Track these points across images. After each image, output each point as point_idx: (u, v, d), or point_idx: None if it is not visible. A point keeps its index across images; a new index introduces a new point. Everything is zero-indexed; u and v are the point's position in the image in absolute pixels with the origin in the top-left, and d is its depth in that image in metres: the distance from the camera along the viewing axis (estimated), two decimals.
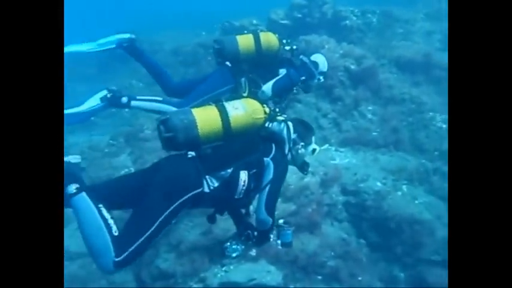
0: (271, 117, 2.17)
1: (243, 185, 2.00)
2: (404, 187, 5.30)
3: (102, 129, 7.01)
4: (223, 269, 4.05)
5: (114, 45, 3.10)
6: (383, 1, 9.16)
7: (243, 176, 2.00)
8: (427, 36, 8.74)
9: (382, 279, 4.72)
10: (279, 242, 2.19)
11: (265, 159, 2.08)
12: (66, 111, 2.75)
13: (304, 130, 2.32)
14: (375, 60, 6.75)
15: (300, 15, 8.29)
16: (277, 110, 2.26)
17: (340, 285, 4.48)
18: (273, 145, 2.15)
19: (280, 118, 2.22)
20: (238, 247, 2.09)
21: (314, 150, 2.34)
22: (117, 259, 1.75)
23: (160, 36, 10.19)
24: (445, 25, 8.95)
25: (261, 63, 3.02)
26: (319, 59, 3.21)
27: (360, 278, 4.56)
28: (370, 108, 6.36)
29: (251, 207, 2.19)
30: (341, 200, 5.17)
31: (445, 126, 6.25)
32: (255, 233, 2.09)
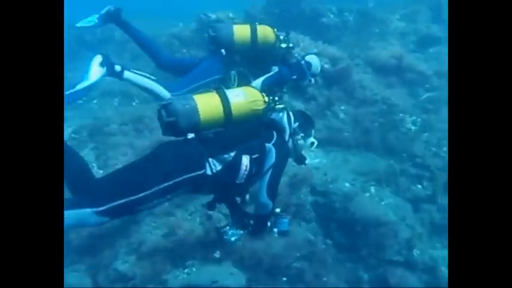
0: (270, 106, 2.20)
1: (245, 170, 2.00)
2: (372, 188, 5.35)
3: (67, 121, 6.66)
4: (185, 271, 3.94)
5: (97, 21, 3.13)
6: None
7: (245, 160, 2.00)
8: (402, 37, 8.83)
9: (347, 280, 4.76)
10: (275, 230, 2.18)
11: (267, 144, 2.09)
12: (76, 88, 2.72)
13: (305, 122, 2.35)
14: (349, 60, 6.75)
15: (277, 11, 8.18)
16: (276, 99, 2.26)
17: (305, 285, 4.48)
18: (274, 132, 2.17)
19: (280, 106, 2.24)
20: (237, 232, 2.10)
21: (312, 143, 2.39)
22: (98, 209, 1.73)
23: (136, 24, 9.79)
24: (419, 27, 9.07)
25: (255, 56, 2.97)
26: (313, 60, 3.21)
27: (324, 279, 4.58)
28: (342, 108, 6.36)
29: (247, 196, 2.20)
30: (310, 200, 5.16)
31: (414, 128, 6.35)
32: (251, 221, 2.10)
